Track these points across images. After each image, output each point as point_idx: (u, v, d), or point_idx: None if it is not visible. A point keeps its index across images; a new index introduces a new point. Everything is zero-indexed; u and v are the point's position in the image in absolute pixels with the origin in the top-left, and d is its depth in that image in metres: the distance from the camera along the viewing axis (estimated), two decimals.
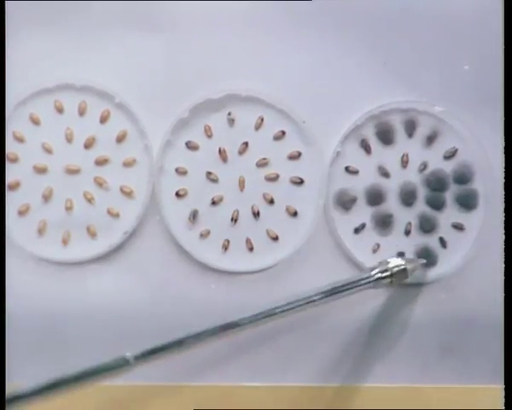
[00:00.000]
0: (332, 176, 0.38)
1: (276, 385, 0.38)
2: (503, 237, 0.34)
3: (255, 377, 0.38)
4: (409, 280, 0.37)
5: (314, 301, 0.34)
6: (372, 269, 0.36)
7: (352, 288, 0.35)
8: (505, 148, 0.35)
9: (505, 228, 0.34)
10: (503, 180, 0.35)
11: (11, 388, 0.28)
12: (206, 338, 0.32)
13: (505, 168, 0.35)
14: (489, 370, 0.39)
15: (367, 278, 0.35)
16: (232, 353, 0.38)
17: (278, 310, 0.33)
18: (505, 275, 0.33)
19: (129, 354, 0.30)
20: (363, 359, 0.39)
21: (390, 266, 0.36)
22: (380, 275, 0.35)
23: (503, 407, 0.31)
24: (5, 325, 0.33)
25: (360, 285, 0.35)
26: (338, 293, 0.34)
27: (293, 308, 0.33)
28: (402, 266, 0.36)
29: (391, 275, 0.36)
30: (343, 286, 0.35)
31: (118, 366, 0.30)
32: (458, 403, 0.38)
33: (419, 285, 0.39)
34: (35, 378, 0.37)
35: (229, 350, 0.38)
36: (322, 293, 0.34)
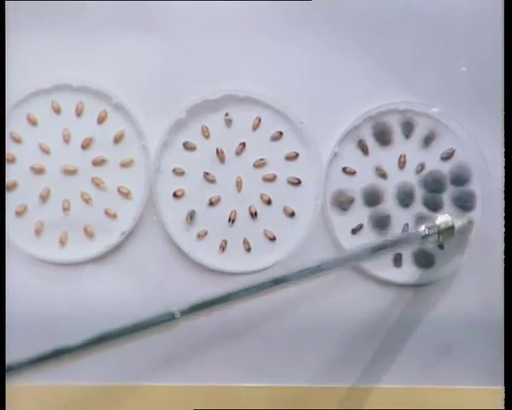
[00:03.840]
0: (329, 177, 0.38)
1: (276, 385, 0.38)
2: (503, 237, 0.34)
3: (255, 378, 0.38)
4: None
5: (361, 257, 0.33)
6: (420, 226, 0.35)
7: (400, 245, 0.34)
8: (505, 148, 0.35)
9: (505, 228, 0.34)
10: (503, 180, 0.35)
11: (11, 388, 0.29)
12: (253, 292, 0.32)
13: (505, 169, 0.35)
14: (487, 371, 0.39)
15: (415, 234, 0.35)
16: (231, 353, 0.38)
17: (325, 266, 0.33)
18: (505, 276, 0.33)
19: (175, 309, 0.30)
20: (362, 360, 0.39)
21: (438, 223, 0.36)
22: (428, 232, 0.35)
23: (503, 408, 0.31)
24: (5, 326, 0.33)
25: (408, 242, 0.34)
26: (386, 249, 0.34)
27: (340, 264, 0.33)
28: (450, 224, 0.36)
29: (438, 232, 0.35)
30: (391, 242, 0.34)
31: (164, 320, 0.30)
32: (457, 404, 0.38)
33: (417, 286, 0.39)
34: (33, 378, 0.37)
35: (228, 350, 0.38)
36: (370, 249, 0.34)
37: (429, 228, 0.35)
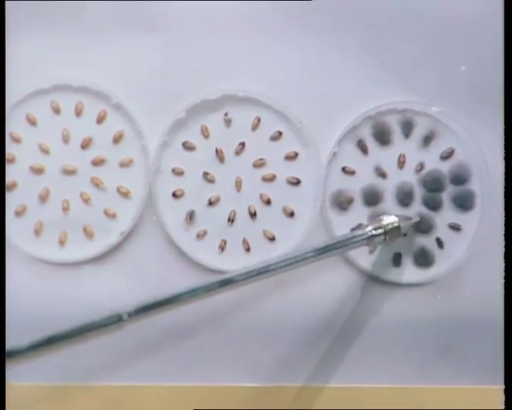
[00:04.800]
0: (329, 176, 0.38)
1: (276, 386, 0.38)
2: (503, 237, 0.34)
3: (256, 379, 0.38)
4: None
5: (308, 258, 0.33)
6: (366, 226, 0.35)
7: (345, 245, 0.34)
8: (505, 148, 0.35)
9: (505, 228, 0.34)
10: (503, 180, 0.35)
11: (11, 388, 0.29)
12: (200, 294, 0.31)
13: (505, 168, 0.35)
14: (486, 370, 0.39)
15: (361, 235, 0.34)
16: (232, 353, 0.38)
17: (272, 267, 0.32)
18: (505, 276, 0.33)
19: (123, 311, 0.30)
20: (362, 360, 0.39)
21: (384, 223, 0.35)
22: (374, 232, 0.34)
23: (503, 408, 0.31)
24: (5, 325, 0.33)
25: (354, 242, 0.34)
26: (332, 250, 0.33)
27: (287, 265, 0.32)
28: (395, 224, 0.35)
29: (384, 232, 0.35)
30: (337, 243, 0.34)
31: (111, 322, 0.29)
32: (456, 404, 0.38)
33: (416, 286, 0.39)
34: (32, 379, 0.37)
35: (228, 351, 0.38)
36: (316, 250, 0.33)
37: (375, 228, 0.35)
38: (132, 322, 0.30)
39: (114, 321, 0.29)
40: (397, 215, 0.36)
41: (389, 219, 0.35)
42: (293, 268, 0.33)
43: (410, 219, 0.37)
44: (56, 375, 0.38)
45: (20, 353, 0.28)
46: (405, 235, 0.37)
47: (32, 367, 0.37)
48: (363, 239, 0.34)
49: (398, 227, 0.35)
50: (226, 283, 0.31)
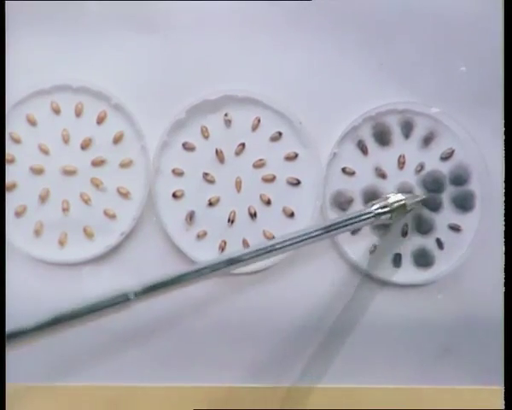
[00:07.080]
0: (329, 177, 0.38)
1: (276, 386, 0.38)
2: (503, 237, 0.34)
3: (256, 379, 0.38)
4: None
5: (314, 236, 0.33)
6: (372, 205, 0.35)
7: (352, 223, 0.34)
8: (505, 148, 0.35)
9: (505, 228, 0.34)
10: (503, 180, 0.35)
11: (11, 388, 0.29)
12: (206, 273, 0.31)
13: (505, 169, 0.35)
14: (486, 370, 0.39)
15: (367, 213, 0.35)
16: (233, 354, 0.38)
17: (278, 245, 0.32)
18: (505, 276, 0.33)
19: (129, 290, 0.29)
20: (362, 360, 0.39)
21: (390, 201, 0.36)
22: (380, 210, 0.35)
23: (503, 408, 0.31)
24: (5, 326, 0.33)
25: (360, 221, 0.34)
26: (338, 228, 0.33)
27: (293, 244, 0.32)
28: (402, 202, 0.36)
29: (390, 210, 0.35)
30: (343, 221, 0.34)
31: (118, 301, 0.29)
32: (456, 404, 0.38)
33: (416, 286, 0.39)
34: (32, 379, 0.37)
35: (229, 351, 0.38)
36: (323, 228, 0.33)
37: (382, 206, 0.35)
38: (139, 301, 0.30)
39: (121, 301, 0.29)
40: (403, 193, 0.37)
41: (395, 197, 0.36)
42: (300, 247, 0.32)
43: (416, 196, 0.38)
44: (57, 375, 0.38)
45: (24, 333, 0.28)
46: (411, 211, 0.37)
47: (33, 367, 0.37)
48: (369, 217, 0.34)
49: (404, 205, 0.36)
50: (232, 262, 0.31)
